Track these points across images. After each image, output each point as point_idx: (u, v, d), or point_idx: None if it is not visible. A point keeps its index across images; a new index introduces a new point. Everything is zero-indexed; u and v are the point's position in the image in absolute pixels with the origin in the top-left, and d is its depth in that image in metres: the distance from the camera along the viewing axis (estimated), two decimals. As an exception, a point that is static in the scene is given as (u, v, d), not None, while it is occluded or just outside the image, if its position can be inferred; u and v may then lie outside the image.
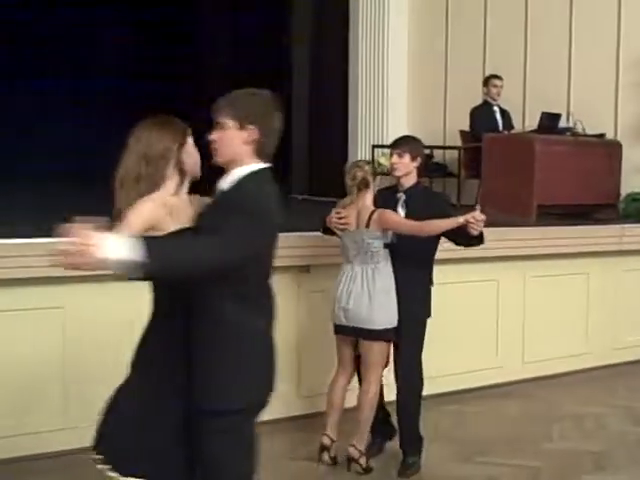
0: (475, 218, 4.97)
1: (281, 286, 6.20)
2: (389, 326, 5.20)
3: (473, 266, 7.08)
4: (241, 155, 3.15)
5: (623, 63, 9.52)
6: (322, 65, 12.02)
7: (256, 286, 3.17)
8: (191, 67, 13.50)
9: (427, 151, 9.21)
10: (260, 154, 3.17)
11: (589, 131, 9.12)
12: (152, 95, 12.78)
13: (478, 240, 5.14)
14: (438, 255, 5.45)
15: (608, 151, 9.23)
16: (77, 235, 2.70)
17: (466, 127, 9.73)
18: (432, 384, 5.94)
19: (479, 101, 9.72)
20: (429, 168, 9.36)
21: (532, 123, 9.31)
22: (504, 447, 5.86)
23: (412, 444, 5.42)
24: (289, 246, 6.15)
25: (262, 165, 3.18)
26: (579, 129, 9.08)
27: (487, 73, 9.97)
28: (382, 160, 9.97)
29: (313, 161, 11.98)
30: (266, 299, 3.24)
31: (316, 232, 6.29)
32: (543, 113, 9.08)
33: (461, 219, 4.99)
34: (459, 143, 9.96)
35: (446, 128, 10.62)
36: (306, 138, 12.22)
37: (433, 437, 5.77)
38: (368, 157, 10.39)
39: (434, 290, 5.45)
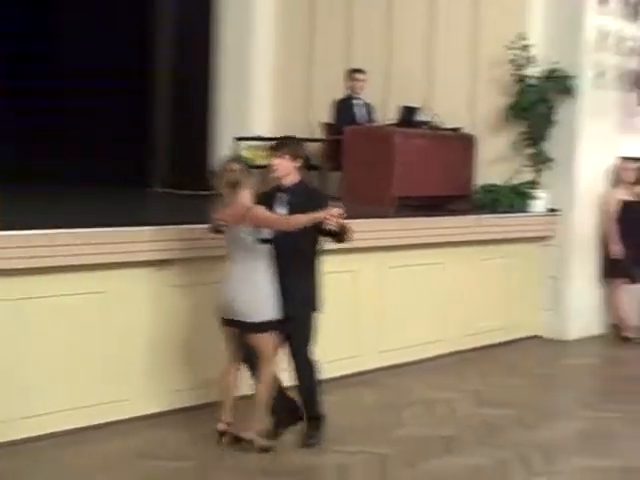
0: (330, 213, 5.22)
1: (142, 280, 6.27)
2: (270, 318, 5.41)
3: (331, 257, 7.16)
4: None
5: (480, 61, 9.82)
6: (185, 57, 11.94)
7: None
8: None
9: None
10: None
11: (448, 125, 9.41)
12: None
13: (339, 238, 5.44)
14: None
15: (464, 144, 9.54)
16: None
17: (329, 120, 9.88)
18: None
19: (343, 94, 9.88)
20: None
21: (395, 117, 9.54)
22: (357, 435, 6.04)
23: (313, 420, 5.78)
24: (150, 240, 6.17)
25: None
26: (436, 122, 9.37)
27: (350, 67, 10.12)
28: (244, 153, 10.03)
29: (175, 154, 11.90)
30: None
31: (177, 225, 6.36)
32: (402, 107, 9.32)
33: (318, 214, 5.25)
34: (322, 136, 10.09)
35: (309, 121, 10.73)
36: (168, 131, 12.08)
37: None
38: (230, 150, 10.40)
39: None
